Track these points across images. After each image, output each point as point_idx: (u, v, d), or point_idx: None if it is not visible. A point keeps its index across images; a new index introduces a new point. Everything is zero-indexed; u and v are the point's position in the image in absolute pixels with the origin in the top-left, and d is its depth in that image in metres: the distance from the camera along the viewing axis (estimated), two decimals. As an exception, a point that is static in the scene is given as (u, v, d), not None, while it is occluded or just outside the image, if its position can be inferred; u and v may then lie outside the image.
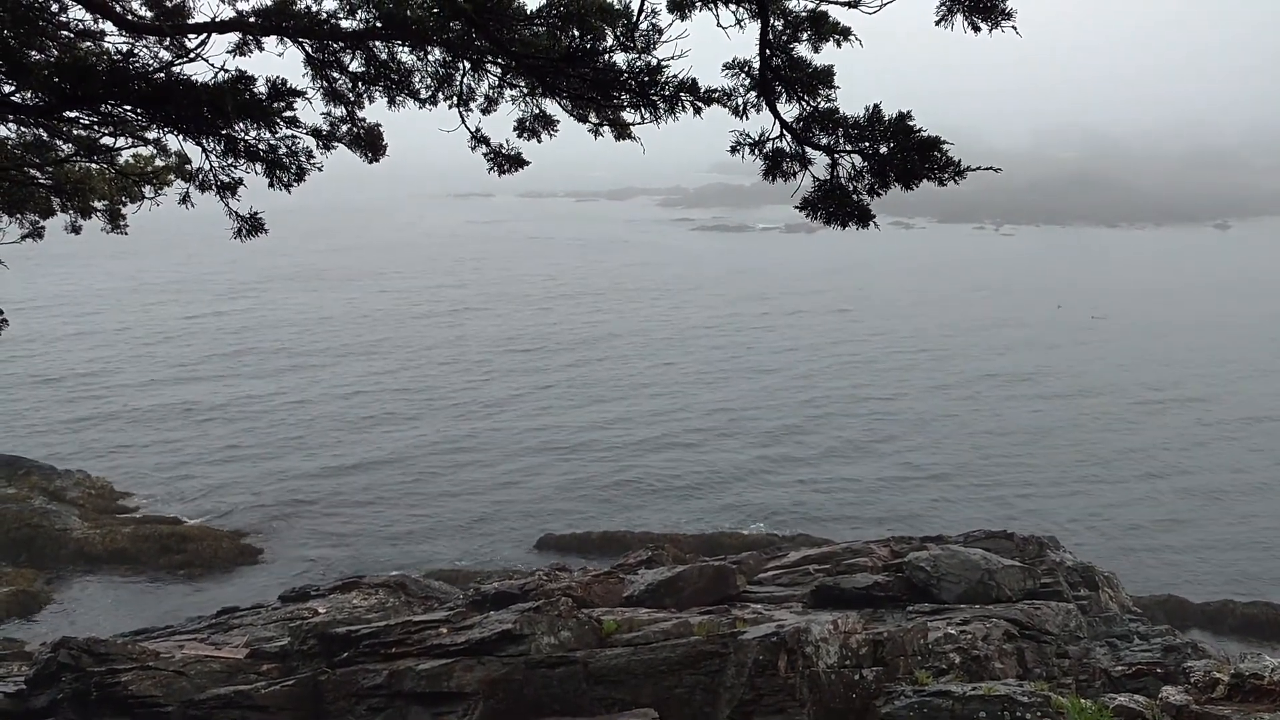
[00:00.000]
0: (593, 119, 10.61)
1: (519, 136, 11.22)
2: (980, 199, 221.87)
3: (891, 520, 45.88)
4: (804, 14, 9.17)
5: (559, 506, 47.92)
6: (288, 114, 10.19)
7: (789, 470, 53.79)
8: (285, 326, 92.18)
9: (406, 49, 10.95)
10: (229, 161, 10.99)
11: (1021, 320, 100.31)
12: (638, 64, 9.82)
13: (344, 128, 11.89)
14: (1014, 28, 8.43)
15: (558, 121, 10.98)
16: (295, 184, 11.14)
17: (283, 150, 10.85)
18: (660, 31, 9.60)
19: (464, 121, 11.37)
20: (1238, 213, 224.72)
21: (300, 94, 10.25)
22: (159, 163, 13.75)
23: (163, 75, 9.56)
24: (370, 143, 12.13)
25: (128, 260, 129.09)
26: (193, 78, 9.55)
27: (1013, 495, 50.58)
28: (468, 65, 10.82)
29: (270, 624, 23.68)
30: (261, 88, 9.75)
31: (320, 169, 11.45)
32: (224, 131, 10.29)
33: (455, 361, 78.80)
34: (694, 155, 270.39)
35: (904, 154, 8.85)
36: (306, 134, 10.96)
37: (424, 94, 11.30)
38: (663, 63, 9.68)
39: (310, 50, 11.13)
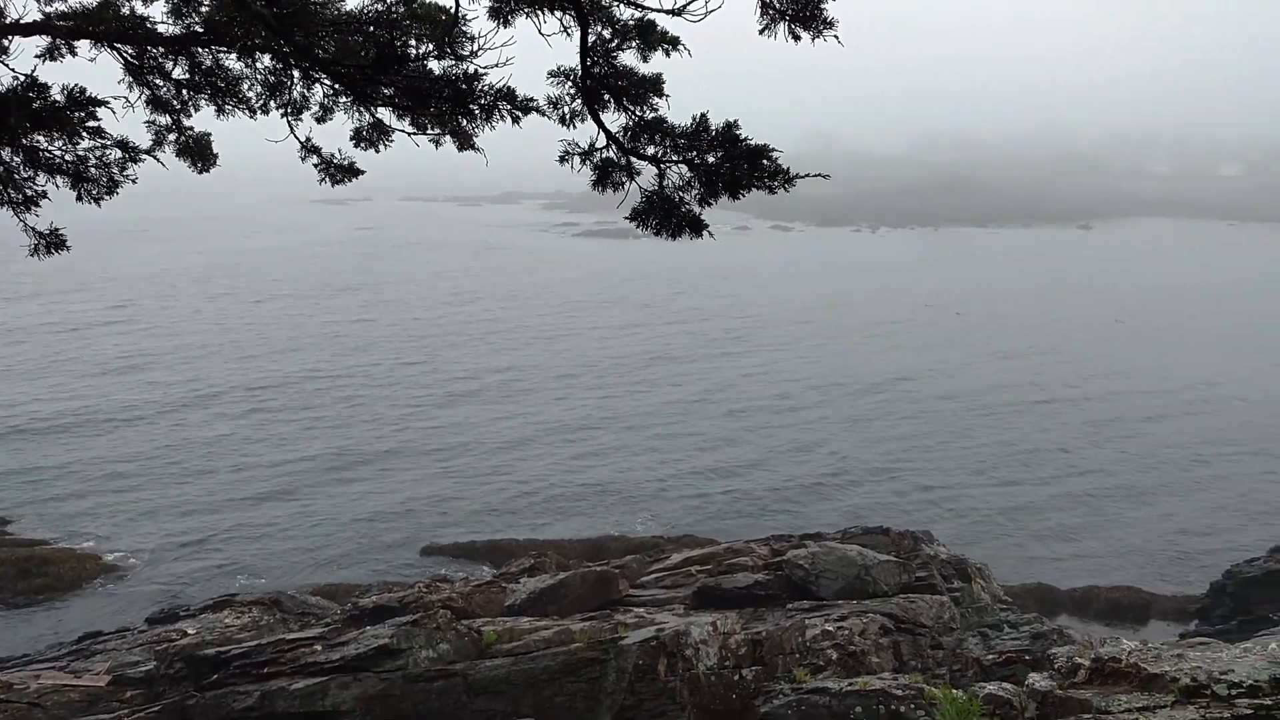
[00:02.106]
0: (433, 129, 10.34)
1: (356, 146, 10.84)
2: (857, 202, 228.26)
3: (775, 519, 46.58)
4: (632, 22, 8.99)
5: (443, 516, 47.22)
6: (90, 124, 9.65)
7: (674, 472, 54.12)
8: (160, 340, 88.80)
9: (234, 56, 10.56)
10: (29, 174, 10.34)
11: (891, 319, 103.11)
12: (455, 72, 9.61)
13: (171, 136, 11.39)
14: (836, 37, 8.42)
15: (393, 131, 10.65)
16: (106, 197, 10.57)
17: (91, 162, 10.29)
18: (473, 39, 9.39)
19: (293, 131, 10.90)
20: (1100, 214, 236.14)
21: (103, 103, 9.70)
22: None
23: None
24: (199, 151, 11.61)
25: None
26: None
27: (889, 491, 51.88)
28: (298, 74, 10.43)
29: (136, 648, 22.72)
30: (58, 96, 9.21)
31: (134, 180, 10.89)
32: (22, 142, 9.69)
33: (335, 375, 76.99)
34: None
35: (732, 163, 8.80)
36: (112, 145, 10.40)
37: (256, 102, 10.88)
38: (481, 70, 9.47)
39: (129, 56, 10.61)
